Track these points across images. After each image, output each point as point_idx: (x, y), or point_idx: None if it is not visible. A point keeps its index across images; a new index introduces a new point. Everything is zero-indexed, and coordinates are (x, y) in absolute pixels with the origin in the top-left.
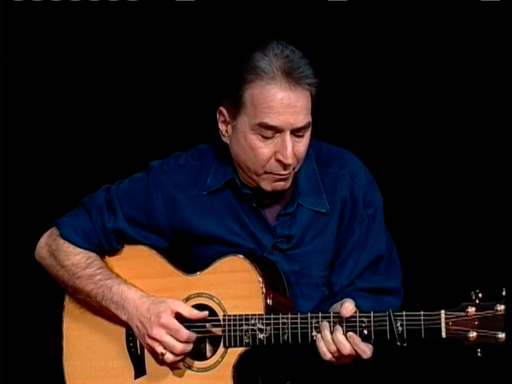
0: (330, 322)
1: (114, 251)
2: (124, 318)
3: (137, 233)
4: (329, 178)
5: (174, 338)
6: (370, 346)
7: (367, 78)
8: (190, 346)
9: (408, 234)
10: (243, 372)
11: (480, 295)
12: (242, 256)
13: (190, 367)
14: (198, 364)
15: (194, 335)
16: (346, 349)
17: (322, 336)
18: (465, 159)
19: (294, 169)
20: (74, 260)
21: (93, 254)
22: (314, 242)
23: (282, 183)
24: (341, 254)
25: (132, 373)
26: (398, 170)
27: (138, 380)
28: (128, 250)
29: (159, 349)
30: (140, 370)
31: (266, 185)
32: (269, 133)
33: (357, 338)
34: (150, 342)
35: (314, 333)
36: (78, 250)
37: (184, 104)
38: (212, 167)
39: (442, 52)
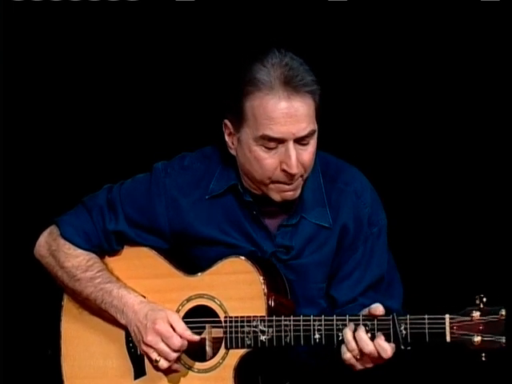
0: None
1: (114, 252)
2: (123, 322)
3: (137, 235)
4: (334, 193)
5: (167, 345)
6: (393, 345)
7: (367, 79)
8: (181, 353)
9: (413, 237)
10: (244, 373)
11: (484, 300)
12: (243, 257)
13: (190, 368)
14: (198, 365)
15: (186, 343)
16: (368, 346)
17: (344, 337)
18: (467, 165)
19: (302, 177)
20: (75, 262)
21: (93, 256)
22: (313, 255)
23: (291, 193)
24: (342, 270)
25: (131, 373)
26: (399, 175)
27: (137, 380)
28: (128, 251)
29: (153, 355)
30: (139, 371)
31: (275, 195)
32: (272, 144)
33: (380, 338)
34: (145, 348)
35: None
36: (79, 251)
37: (188, 104)
38: (216, 171)
39: (443, 52)
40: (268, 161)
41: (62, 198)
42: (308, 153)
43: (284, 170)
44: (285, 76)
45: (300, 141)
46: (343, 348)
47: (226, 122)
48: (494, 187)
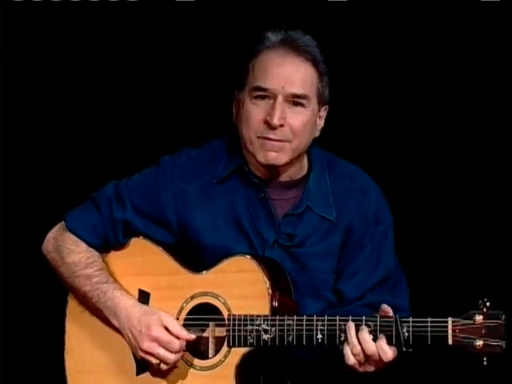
0: (356, 325)
1: (119, 246)
2: (116, 324)
3: (144, 225)
4: (339, 189)
5: (166, 349)
6: (394, 349)
7: (368, 79)
8: (181, 354)
9: (417, 239)
10: (246, 372)
11: (488, 304)
12: (249, 256)
13: (192, 365)
14: (200, 362)
15: (184, 343)
16: (370, 348)
17: (347, 337)
18: (471, 170)
19: (290, 143)
20: (75, 258)
21: (95, 254)
22: (315, 246)
23: (274, 154)
24: (351, 266)
25: (134, 369)
26: (404, 178)
27: (139, 376)
28: (133, 247)
29: (153, 360)
30: (142, 367)
31: (260, 155)
32: (262, 94)
33: (383, 340)
34: (143, 354)
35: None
36: (82, 248)
37: (192, 102)
38: (223, 158)
39: (443, 52)
40: (255, 113)
41: (71, 195)
42: (299, 120)
43: (266, 122)
44: (289, 37)
45: (291, 101)
46: (347, 352)
47: (236, 91)
48: (499, 190)
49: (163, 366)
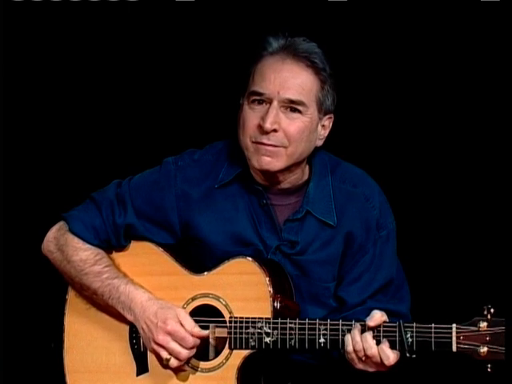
0: (362, 326)
1: (121, 248)
2: (130, 318)
3: (145, 228)
4: (341, 194)
5: (180, 345)
6: (397, 353)
7: (368, 80)
8: (194, 351)
9: (421, 245)
10: (247, 374)
11: (492, 310)
12: (250, 258)
13: (193, 367)
14: (201, 364)
15: (198, 341)
16: (371, 349)
17: (351, 335)
18: (476, 175)
19: (285, 148)
20: (83, 256)
21: (101, 251)
22: (317, 253)
23: (268, 159)
24: (352, 271)
25: (134, 369)
26: (408, 184)
27: (139, 377)
28: (135, 248)
29: (164, 354)
30: (142, 367)
31: (254, 160)
32: (259, 100)
33: (385, 344)
34: (155, 347)
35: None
36: (87, 246)
37: (194, 102)
38: (226, 162)
39: (443, 52)
40: (251, 118)
41: (68, 194)
42: (295, 126)
43: (260, 126)
44: (290, 43)
45: (287, 107)
46: (347, 340)
47: (241, 98)
48: (501, 198)
49: (173, 362)
